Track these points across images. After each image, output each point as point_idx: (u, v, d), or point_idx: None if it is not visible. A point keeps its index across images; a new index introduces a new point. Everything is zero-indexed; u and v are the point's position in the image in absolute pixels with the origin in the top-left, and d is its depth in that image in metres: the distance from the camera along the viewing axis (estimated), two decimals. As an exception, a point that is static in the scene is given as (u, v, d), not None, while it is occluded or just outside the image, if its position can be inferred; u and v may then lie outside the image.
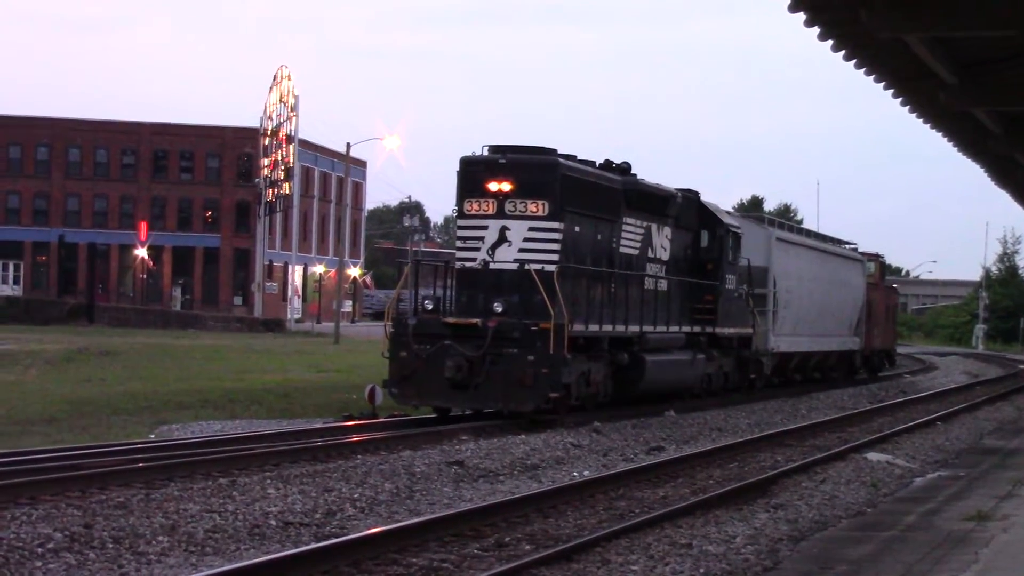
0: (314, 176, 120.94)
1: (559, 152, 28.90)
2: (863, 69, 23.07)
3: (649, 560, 14.33)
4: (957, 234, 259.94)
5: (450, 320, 27.83)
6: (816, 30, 20.18)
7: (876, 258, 57.63)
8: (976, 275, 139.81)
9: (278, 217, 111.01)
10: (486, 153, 28.59)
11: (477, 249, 28.28)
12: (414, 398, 27.90)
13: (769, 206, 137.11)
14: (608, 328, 29.76)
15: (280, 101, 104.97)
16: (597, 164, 30.67)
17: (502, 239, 28.07)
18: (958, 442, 29.03)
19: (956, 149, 32.66)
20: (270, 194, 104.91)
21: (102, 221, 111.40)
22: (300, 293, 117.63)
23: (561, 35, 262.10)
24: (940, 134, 30.37)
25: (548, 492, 18.58)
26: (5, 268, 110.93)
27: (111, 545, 14.18)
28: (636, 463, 22.85)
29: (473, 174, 28.49)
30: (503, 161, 28.24)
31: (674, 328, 33.32)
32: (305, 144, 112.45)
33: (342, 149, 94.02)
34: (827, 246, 50.57)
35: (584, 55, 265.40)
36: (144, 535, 14.70)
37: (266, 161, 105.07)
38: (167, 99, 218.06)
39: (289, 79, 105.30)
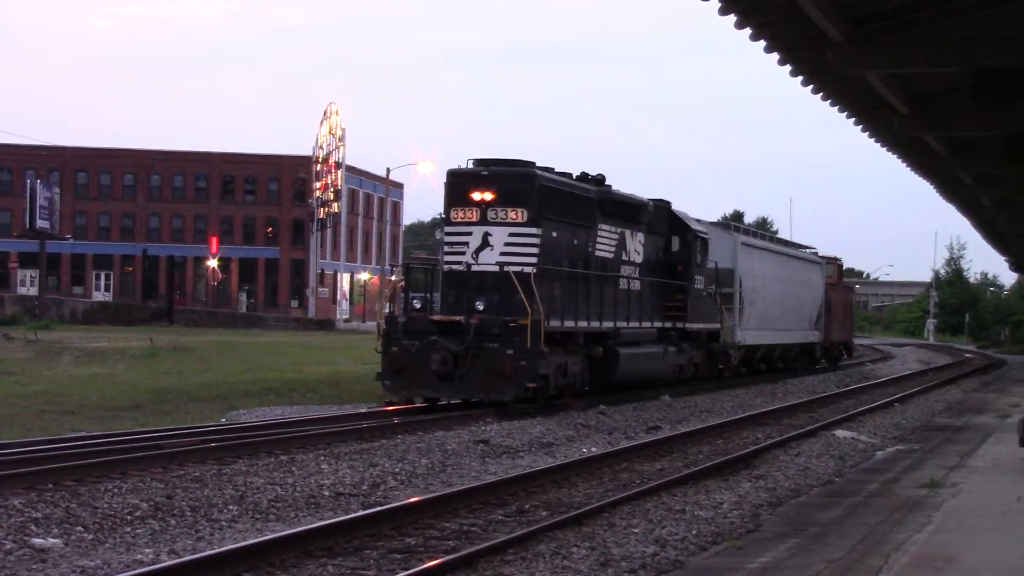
0: (359, 197, 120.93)
1: (537, 164, 27.65)
2: (828, 101, 23.01)
3: (649, 523, 14.31)
4: (911, 241, 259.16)
5: (436, 318, 26.69)
6: (788, 68, 20.15)
7: (834, 261, 56.07)
8: (927, 276, 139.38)
9: (328, 232, 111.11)
10: (470, 166, 27.33)
11: (462, 253, 26.94)
12: (404, 389, 26.57)
13: (749, 218, 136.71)
14: (583, 324, 28.51)
15: (329, 133, 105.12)
16: (574, 176, 29.43)
17: (485, 244, 26.78)
18: (913, 420, 28.95)
19: (909, 169, 32.55)
20: (321, 212, 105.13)
21: (179, 237, 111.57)
22: (347, 297, 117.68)
23: (570, 72, 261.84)
24: (895, 156, 30.28)
25: (561, 466, 18.56)
26: (98, 277, 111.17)
27: (189, 513, 14.22)
28: (637, 440, 22.82)
29: (458, 185, 27.11)
30: (485, 173, 26.93)
31: (647, 324, 32.13)
32: (351, 169, 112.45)
33: (383, 173, 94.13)
34: (789, 250, 49.34)
35: (589, 89, 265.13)
36: (217, 504, 14.73)
37: (318, 184, 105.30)
38: (234, 132, 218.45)
39: (337, 114, 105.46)
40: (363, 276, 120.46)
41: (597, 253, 29.75)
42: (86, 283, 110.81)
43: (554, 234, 27.60)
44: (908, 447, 23.32)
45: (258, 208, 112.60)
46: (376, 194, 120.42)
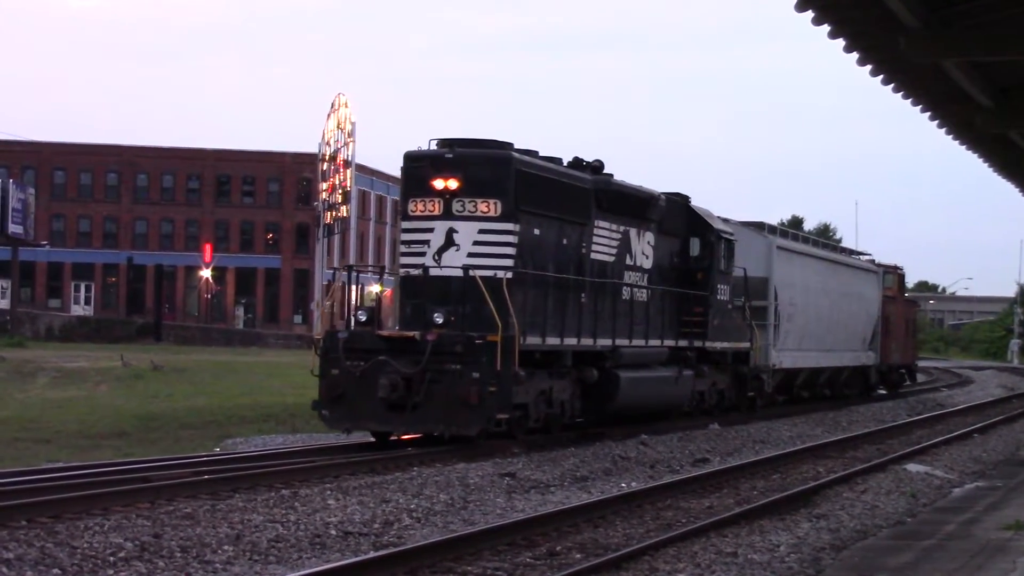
0: (370, 199, 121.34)
1: (516, 147, 25.32)
2: (900, 93, 22.99)
3: (696, 568, 14.29)
4: (993, 252, 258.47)
5: (384, 333, 24.72)
6: (855, 56, 20.14)
7: (894, 270, 53.78)
8: (1011, 291, 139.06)
9: (336, 239, 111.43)
10: (434, 147, 25.04)
11: (422, 254, 24.70)
12: (346, 421, 24.37)
13: (809, 224, 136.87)
14: (572, 341, 26.18)
15: (338, 127, 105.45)
16: (565, 163, 27.20)
17: (449, 242, 24.53)
18: (995, 454, 28.85)
19: (992, 170, 32.48)
20: (328, 217, 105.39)
21: (168, 243, 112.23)
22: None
23: (602, 62, 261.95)
24: (976, 156, 30.22)
25: (597, 503, 18.55)
26: (77, 289, 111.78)
27: (179, 554, 14.25)
28: (682, 474, 22.79)
29: (417, 171, 24.92)
30: (450, 155, 24.61)
31: (655, 342, 29.76)
32: (361, 168, 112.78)
33: (397, 173, 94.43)
34: (837, 256, 47.26)
35: (625, 81, 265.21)
36: (210, 544, 14.76)
37: (324, 185, 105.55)
38: (229, 126, 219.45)
39: (346, 106, 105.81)
40: (375, 288, 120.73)
41: (593, 255, 27.60)
42: (64, 295, 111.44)
43: (536, 231, 25.57)
44: (989, 484, 23.21)
45: (257, 212, 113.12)
46: (389, 196, 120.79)
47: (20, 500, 16.57)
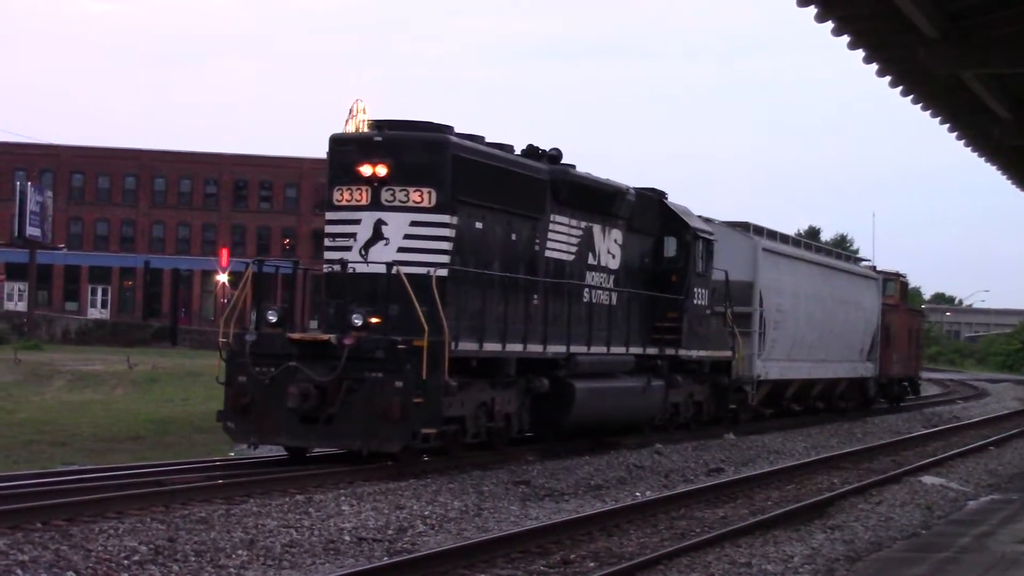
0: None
1: (455, 130, 23.11)
2: (920, 104, 22.97)
3: (710, 578, 14.30)
4: (1010, 264, 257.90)
5: (296, 336, 22.29)
6: (875, 67, 20.13)
7: (896, 277, 51.53)
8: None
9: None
10: (365, 129, 22.89)
11: (348, 248, 22.47)
12: (253, 434, 21.96)
13: (826, 236, 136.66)
14: (517, 348, 23.87)
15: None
16: (518, 151, 25.04)
17: (377, 236, 22.31)
18: (1011, 466, 28.80)
19: (1011, 183, 32.42)
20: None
21: (185, 248, 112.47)
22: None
23: (618, 71, 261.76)
24: (995, 168, 30.17)
25: (611, 511, 18.56)
26: (94, 292, 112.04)
27: (193, 558, 14.27)
28: (696, 484, 22.78)
29: (343, 155, 22.60)
30: (379, 139, 22.48)
31: (619, 349, 27.51)
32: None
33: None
34: (831, 260, 44.68)
35: (642, 90, 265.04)
36: (224, 549, 14.78)
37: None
38: (247, 131, 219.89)
39: (364, 112, 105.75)
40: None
41: (548, 253, 25.42)
42: (81, 298, 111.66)
43: (478, 225, 23.34)
44: (1005, 496, 23.16)
45: (274, 217, 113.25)
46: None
47: (35, 503, 16.63)
